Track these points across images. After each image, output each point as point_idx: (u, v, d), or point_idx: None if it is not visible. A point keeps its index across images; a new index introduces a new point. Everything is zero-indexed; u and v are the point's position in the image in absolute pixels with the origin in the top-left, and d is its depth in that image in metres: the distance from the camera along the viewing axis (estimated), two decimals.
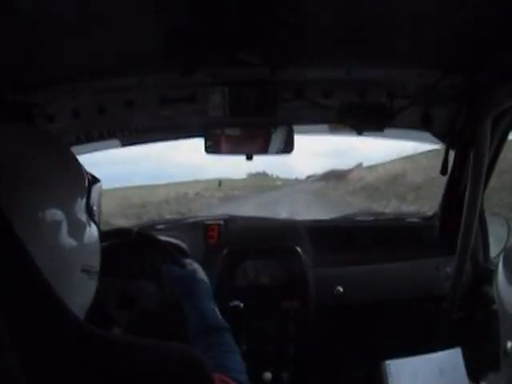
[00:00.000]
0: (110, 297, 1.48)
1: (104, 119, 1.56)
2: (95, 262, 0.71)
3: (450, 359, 1.50)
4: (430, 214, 1.97)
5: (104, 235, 1.58)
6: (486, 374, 1.40)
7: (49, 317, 0.56)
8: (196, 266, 1.33)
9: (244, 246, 1.78)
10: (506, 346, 0.97)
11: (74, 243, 0.65)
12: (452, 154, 1.62)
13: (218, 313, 1.15)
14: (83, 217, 0.67)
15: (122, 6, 1.04)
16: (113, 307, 1.47)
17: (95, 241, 0.70)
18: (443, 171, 1.56)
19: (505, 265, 1.11)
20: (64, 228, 0.63)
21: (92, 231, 0.69)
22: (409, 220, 2.06)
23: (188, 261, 1.35)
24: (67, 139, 1.59)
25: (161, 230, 1.96)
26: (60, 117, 1.54)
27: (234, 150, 1.60)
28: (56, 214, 0.62)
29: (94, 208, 0.69)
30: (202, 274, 1.30)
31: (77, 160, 0.70)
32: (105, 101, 1.53)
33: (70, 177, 0.67)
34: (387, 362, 1.50)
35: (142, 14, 1.08)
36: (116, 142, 1.68)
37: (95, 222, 0.70)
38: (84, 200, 0.68)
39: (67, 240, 0.63)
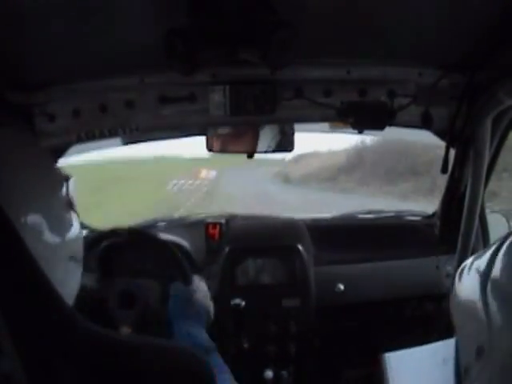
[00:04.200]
0: (111, 297, 1.48)
1: (105, 118, 1.56)
2: (80, 249, 0.74)
3: (454, 348, 1.44)
4: (430, 212, 1.97)
5: (111, 234, 1.60)
6: None
7: (50, 317, 0.56)
8: (200, 284, 1.36)
9: (245, 244, 1.79)
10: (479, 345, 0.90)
11: (61, 234, 0.68)
12: (452, 152, 1.62)
13: (205, 334, 1.18)
14: (65, 209, 0.71)
15: (122, 5, 1.04)
16: (115, 307, 1.47)
17: (78, 229, 0.73)
18: (444, 170, 1.56)
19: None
20: (50, 221, 0.65)
21: (74, 221, 0.72)
22: (409, 218, 2.05)
23: (196, 277, 1.38)
24: (68, 138, 1.59)
25: (162, 228, 1.97)
26: (61, 116, 1.55)
27: (233, 149, 1.61)
28: (41, 208, 0.65)
29: (73, 199, 0.73)
30: (202, 293, 1.32)
31: (50, 157, 0.77)
32: (105, 100, 1.54)
33: (50, 173, 0.72)
34: (387, 354, 1.46)
35: (142, 14, 1.09)
36: (117, 140, 1.69)
37: (75, 212, 0.74)
38: (64, 193, 0.71)
39: (54, 232, 0.66)
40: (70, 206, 0.72)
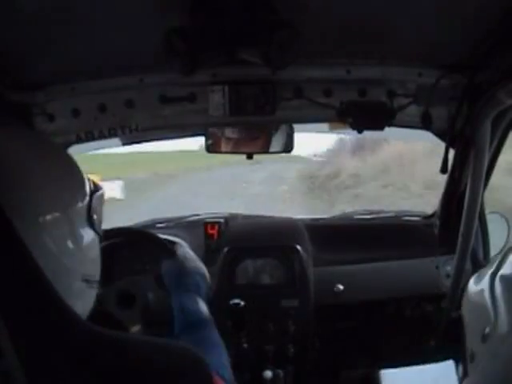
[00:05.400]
0: (111, 297, 1.48)
1: (104, 118, 1.56)
2: (95, 270, 0.71)
3: (444, 371, 1.52)
4: (430, 212, 1.97)
5: (104, 235, 1.59)
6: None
7: (50, 316, 0.56)
8: (186, 251, 1.32)
9: (244, 244, 1.79)
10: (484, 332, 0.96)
11: (74, 253, 0.64)
12: (452, 152, 1.62)
13: (202, 304, 1.14)
14: (84, 226, 0.66)
15: (122, 5, 1.04)
16: (115, 307, 1.47)
17: (95, 250, 0.70)
18: (443, 170, 1.56)
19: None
20: (64, 238, 0.62)
21: (92, 240, 0.68)
22: (409, 218, 2.05)
23: (178, 246, 1.34)
24: (67, 138, 1.59)
25: (161, 228, 1.97)
26: (60, 116, 1.55)
27: (233, 149, 1.60)
28: (56, 223, 0.61)
29: (95, 217, 0.68)
30: (190, 260, 1.29)
31: (78, 168, 0.69)
32: (105, 100, 1.54)
33: (71, 186, 0.66)
34: (382, 371, 1.51)
35: (142, 14, 1.09)
36: (116, 140, 1.68)
37: (96, 231, 0.70)
38: (85, 209, 0.67)
39: (67, 250, 0.63)
40: (89, 222, 0.67)
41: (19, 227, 0.56)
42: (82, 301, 0.68)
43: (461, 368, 1.47)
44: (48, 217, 0.61)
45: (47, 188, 0.62)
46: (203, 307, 1.14)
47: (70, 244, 0.63)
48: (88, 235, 0.67)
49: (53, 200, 0.62)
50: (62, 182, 0.65)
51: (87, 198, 0.67)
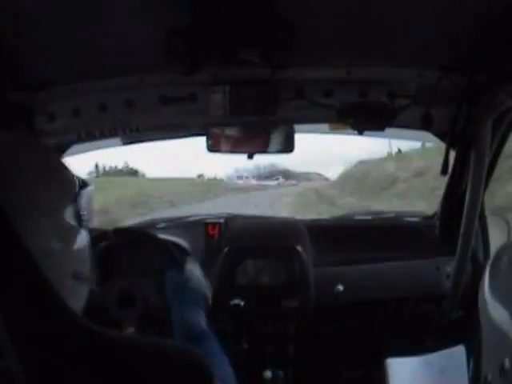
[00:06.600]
0: (110, 297, 1.48)
1: (105, 118, 1.56)
2: (85, 267, 0.70)
3: (452, 358, 1.46)
4: (430, 213, 1.96)
5: (104, 235, 1.60)
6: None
7: (50, 316, 0.56)
8: (193, 270, 1.35)
9: (244, 244, 1.78)
10: (503, 363, 0.89)
11: (62, 250, 0.64)
12: (453, 153, 1.62)
13: (204, 321, 1.17)
14: (71, 223, 0.66)
15: (122, 5, 1.04)
16: (114, 308, 1.48)
17: (84, 246, 0.69)
18: (444, 171, 1.56)
19: (491, 278, 1.01)
20: (51, 235, 0.62)
21: (81, 237, 0.68)
22: (409, 219, 2.05)
23: (188, 261, 1.37)
24: (68, 138, 1.60)
25: (161, 228, 1.97)
26: (61, 116, 1.55)
27: (234, 149, 1.60)
28: (43, 221, 0.62)
29: (83, 213, 0.69)
30: (195, 280, 1.31)
31: (64, 165, 0.70)
32: (106, 100, 1.54)
33: (57, 183, 0.67)
34: (388, 360, 1.48)
35: (142, 14, 1.09)
36: (117, 140, 1.69)
37: (84, 228, 0.70)
38: (72, 206, 0.67)
39: (55, 248, 0.63)
40: (77, 218, 0.67)
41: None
42: (74, 297, 0.67)
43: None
44: (33, 217, 0.61)
45: (31, 189, 0.62)
46: (204, 321, 1.17)
47: (57, 240, 0.63)
48: (75, 232, 0.67)
49: (37, 200, 0.62)
50: (47, 180, 0.65)
51: (73, 196, 0.67)
